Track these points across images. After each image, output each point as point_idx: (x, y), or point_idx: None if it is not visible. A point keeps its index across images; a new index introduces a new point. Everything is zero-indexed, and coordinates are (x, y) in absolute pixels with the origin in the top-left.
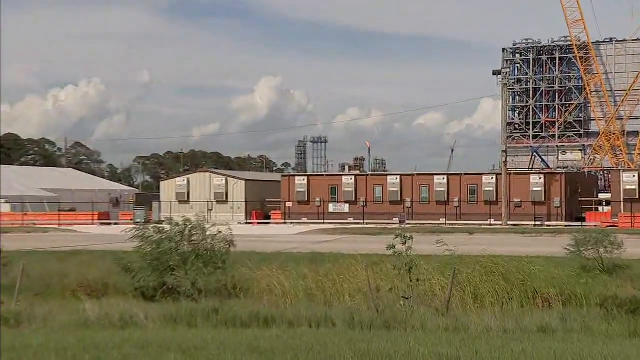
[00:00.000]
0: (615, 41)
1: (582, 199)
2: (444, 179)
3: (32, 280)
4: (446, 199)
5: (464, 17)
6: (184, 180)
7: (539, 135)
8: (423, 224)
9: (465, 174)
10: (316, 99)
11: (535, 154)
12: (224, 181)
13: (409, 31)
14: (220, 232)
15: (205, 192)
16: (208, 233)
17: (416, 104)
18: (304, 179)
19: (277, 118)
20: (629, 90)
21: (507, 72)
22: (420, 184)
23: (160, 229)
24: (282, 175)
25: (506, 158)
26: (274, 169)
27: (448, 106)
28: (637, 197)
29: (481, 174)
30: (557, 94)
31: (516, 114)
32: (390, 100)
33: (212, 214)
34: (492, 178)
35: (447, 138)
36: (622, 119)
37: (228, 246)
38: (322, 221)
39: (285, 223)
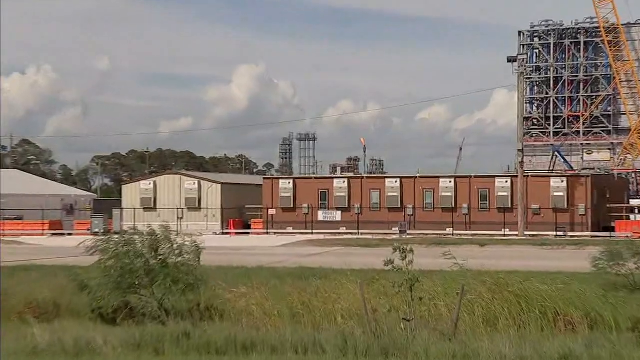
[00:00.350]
0: None
1: (611, 205)
2: (450, 182)
3: None
4: (453, 206)
5: None
6: (150, 183)
7: (561, 131)
8: (427, 234)
9: (475, 176)
10: (304, 91)
11: (556, 153)
12: (196, 185)
13: (411, 12)
14: (193, 242)
15: (174, 197)
16: (176, 245)
17: (419, 96)
18: (289, 183)
19: (258, 112)
20: None
21: (524, 59)
22: (424, 188)
23: (128, 239)
24: (264, 178)
25: (523, 158)
26: (255, 170)
27: (456, 98)
28: None
29: (494, 176)
30: (581, 84)
31: (534, 108)
32: (389, 91)
33: (182, 222)
34: (507, 181)
35: (455, 135)
36: None
37: (198, 259)
38: (310, 231)
39: (267, 233)
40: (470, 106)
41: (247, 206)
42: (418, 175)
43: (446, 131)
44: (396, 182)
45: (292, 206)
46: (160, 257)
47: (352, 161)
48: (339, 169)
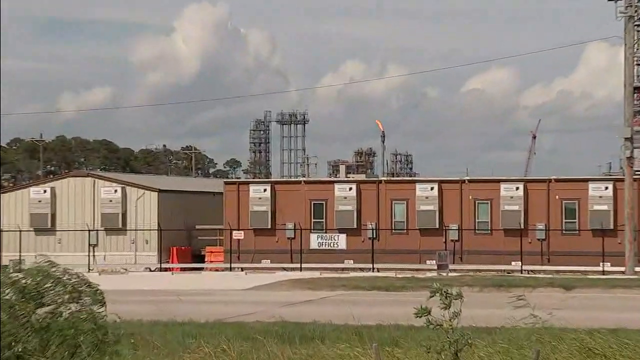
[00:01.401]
0: None
1: None
2: (518, 189)
3: None
4: (522, 226)
5: None
6: (44, 191)
7: None
8: (481, 270)
9: (556, 180)
10: (288, 46)
11: None
12: (119, 193)
13: None
14: (81, 280)
15: (84, 212)
16: (69, 287)
17: (466, 55)
18: (264, 190)
19: (216, 80)
20: None
21: None
22: (476, 198)
23: (14, 279)
24: (226, 183)
25: (632, 152)
26: (212, 171)
27: (524, 58)
28: None
29: (586, 180)
30: None
31: None
32: (418, 47)
33: (97, 252)
34: (607, 188)
35: (524, 115)
36: None
37: (100, 305)
38: (298, 265)
39: (231, 269)
40: (548, 70)
41: (199, 227)
42: (467, 178)
43: (510, 109)
44: (432, 189)
45: (269, 226)
46: (47, 307)
47: (364, 157)
48: (343, 168)
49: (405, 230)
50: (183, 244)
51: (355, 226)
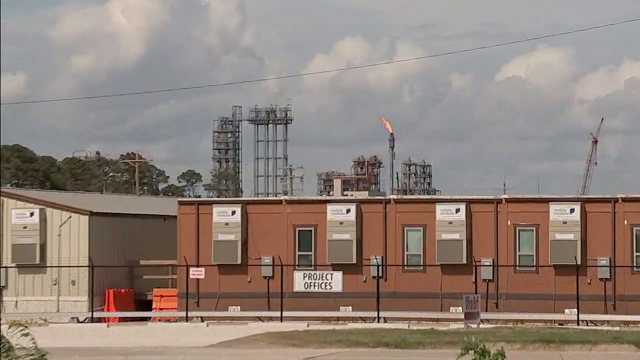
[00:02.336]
0: None
1: None
2: (573, 211)
3: None
4: (579, 261)
5: None
6: None
7: None
8: (523, 321)
9: (625, 199)
10: (263, 19)
11: None
12: (36, 217)
13: None
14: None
15: None
16: None
17: (502, 32)
18: (233, 213)
19: (167, 64)
20: None
21: None
22: (517, 223)
23: None
24: (182, 203)
25: None
26: (161, 187)
27: (581, 36)
28: None
29: None
30: None
31: None
32: (439, 21)
33: (5, 296)
34: None
35: (580, 112)
36: None
37: None
38: (278, 314)
39: (187, 319)
40: (614, 52)
41: (144, 262)
42: (504, 197)
43: (563, 104)
44: (458, 211)
45: (239, 261)
46: None
47: (367, 168)
48: (338, 183)
49: (421, 267)
50: (122, 286)
51: (354, 261)
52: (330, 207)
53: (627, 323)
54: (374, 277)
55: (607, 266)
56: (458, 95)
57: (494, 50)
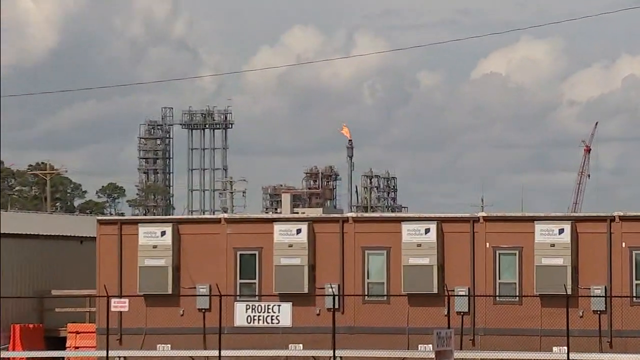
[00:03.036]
0: None
1: None
2: (562, 232)
3: None
4: (570, 291)
5: None
6: None
7: None
8: None
9: (623, 218)
10: (197, 4)
11: None
12: None
13: None
14: None
15: None
16: None
17: (479, 21)
18: (163, 233)
19: (84, 59)
20: None
21: None
22: (497, 246)
23: None
24: (101, 222)
25: None
26: (77, 202)
27: (572, 26)
28: None
29: None
30: None
31: None
32: (405, 7)
33: None
34: None
35: (570, 116)
36: None
37: None
38: (215, 353)
39: (108, 359)
40: (609, 45)
41: (56, 292)
42: (482, 215)
43: (550, 106)
44: (428, 231)
45: (169, 291)
46: None
47: (321, 181)
48: (287, 198)
49: (385, 297)
50: (31, 320)
51: (306, 290)
52: (277, 227)
53: None
54: (329, 309)
55: (602, 296)
56: (427, 95)
57: (469, 43)
